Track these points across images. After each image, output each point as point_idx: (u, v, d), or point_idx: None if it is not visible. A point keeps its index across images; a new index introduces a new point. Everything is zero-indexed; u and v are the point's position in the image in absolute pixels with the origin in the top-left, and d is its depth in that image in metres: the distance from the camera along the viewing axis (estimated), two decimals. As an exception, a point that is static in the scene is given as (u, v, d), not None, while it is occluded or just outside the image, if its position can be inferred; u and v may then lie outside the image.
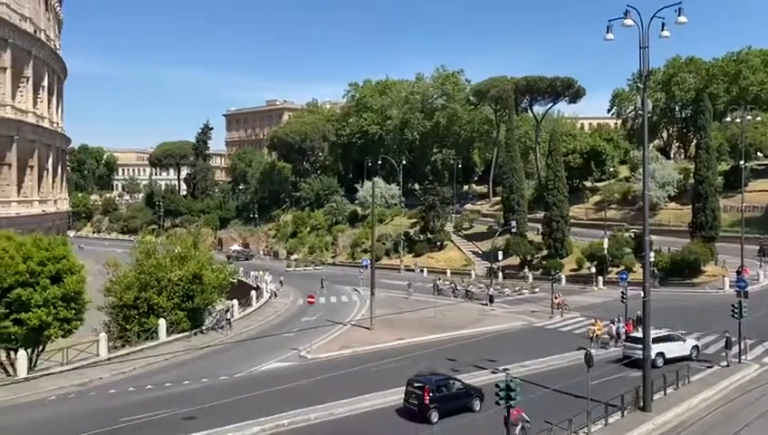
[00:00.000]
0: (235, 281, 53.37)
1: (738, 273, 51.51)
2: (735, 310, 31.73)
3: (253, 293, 56.54)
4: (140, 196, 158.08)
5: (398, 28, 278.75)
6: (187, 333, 41.11)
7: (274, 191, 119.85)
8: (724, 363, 31.14)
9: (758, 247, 61.51)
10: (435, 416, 24.16)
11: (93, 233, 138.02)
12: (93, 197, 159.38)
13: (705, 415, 25.23)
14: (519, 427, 20.88)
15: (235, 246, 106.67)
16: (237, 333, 43.59)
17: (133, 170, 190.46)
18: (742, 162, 62.90)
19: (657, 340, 30.84)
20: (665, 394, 26.73)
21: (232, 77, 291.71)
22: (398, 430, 24.17)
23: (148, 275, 40.70)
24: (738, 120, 67.29)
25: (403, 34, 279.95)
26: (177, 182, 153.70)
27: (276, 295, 60.33)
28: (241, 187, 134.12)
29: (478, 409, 25.25)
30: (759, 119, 78.23)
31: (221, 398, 26.11)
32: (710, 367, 31.32)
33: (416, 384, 24.90)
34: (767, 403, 25.93)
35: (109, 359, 34.96)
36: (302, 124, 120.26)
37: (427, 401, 24.14)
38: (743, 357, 32.06)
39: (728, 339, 31.60)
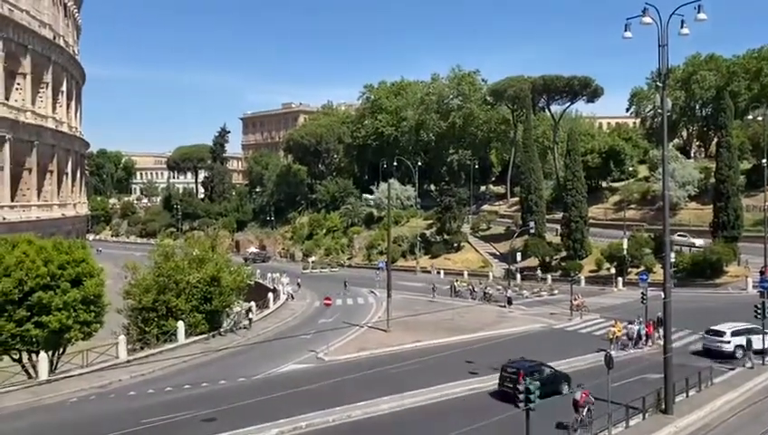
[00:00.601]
0: (252, 283, 53.53)
1: (761, 273, 50.78)
2: (759, 311, 31.19)
3: (270, 295, 56.70)
4: (158, 199, 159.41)
5: (412, 29, 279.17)
6: (205, 336, 41.25)
7: (290, 194, 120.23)
8: (749, 365, 30.65)
9: None
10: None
11: (112, 236, 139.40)
12: (112, 200, 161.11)
13: (728, 417, 24.81)
14: (586, 409, 22.76)
15: (252, 249, 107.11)
16: (255, 335, 43.72)
17: (151, 174, 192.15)
18: (764, 160, 61.83)
19: (737, 333, 33.28)
20: (687, 396, 26.34)
21: (248, 81, 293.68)
22: (414, 426, 24.04)
23: (166, 278, 40.91)
24: (760, 118, 66.29)
25: (418, 35, 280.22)
26: (194, 185, 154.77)
27: (293, 297, 60.46)
28: (257, 189, 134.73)
29: (566, 392, 27.09)
30: (781, 116, 76.97)
31: (239, 400, 26.17)
32: (732, 369, 30.83)
33: (510, 370, 26.89)
34: (793, 406, 25.42)
35: (128, 361, 35.18)
36: (317, 127, 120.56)
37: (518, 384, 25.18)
38: (767, 359, 31.50)
39: (749, 340, 31.06)
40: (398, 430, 24.49)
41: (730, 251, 57.58)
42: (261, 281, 67.49)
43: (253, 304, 49.32)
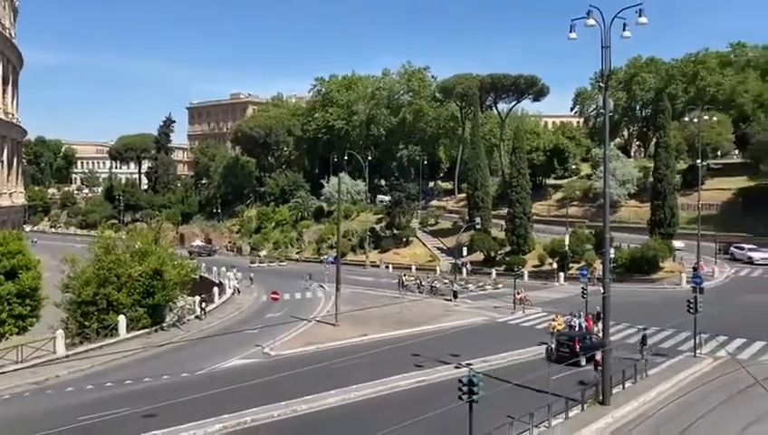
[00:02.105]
0: (197, 277, 52.71)
1: (695, 269, 53.13)
2: (691, 305, 32.58)
3: (215, 289, 55.88)
4: (100, 190, 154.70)
5: (364, 23, 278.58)
6: (148, 330, 40.45)
7: (238, 186, 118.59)
8: (642, 360, 30.84)
9: (719, 245, 62.97)
10: (583, 360, 30.91)
11: (51, 227, 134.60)
12: (51, 190, 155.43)
13: (661, 408, 25.87)
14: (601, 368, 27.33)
15: (198, 242, 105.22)
16: (199, 329, 43.08)
17: (92, 163, 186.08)
18: (699, 161, 64.67)
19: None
20: (623, 388, 27.33)
21: (195, 69, 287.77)
22: (360, 420, 24.20)
23: (107, 271, 39.93)
24: (696, 120, 69.03)
25: (369, 29, 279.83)
26: (137, 176, 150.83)
27: (239, 292, 59.72)
28: (204, 181, 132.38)
29: (598, 356, 29.84)
30: (715, 119, 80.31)
31: (182, 395, 25.73)
32: (666, 361, 32.11)
33: (563, 338, 33.43)
34: (720, 396, 26.69)
35: (66, 356, 34.12)
36: (266, 118, 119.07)
37: (578, 349, 31.51)
38: (698, 351, 32.98)
39: (644, 336, 32.67)
40: (344, 423, 24.60)
41: (666, 248, 59.83)
42: (206, 275, 66.39)
43: (214, 291, 48.75)
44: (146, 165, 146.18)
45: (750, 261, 62.22)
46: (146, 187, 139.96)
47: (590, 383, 26.52)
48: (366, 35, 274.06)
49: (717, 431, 22.88)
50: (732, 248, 64.95)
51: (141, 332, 39.93)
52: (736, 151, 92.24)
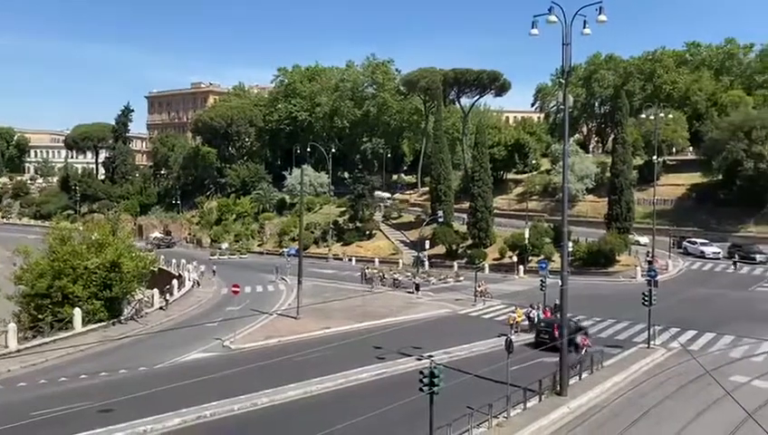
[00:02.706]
0: (156, 269, 51.88)
1: (649, 263, 54.57)
2: (646, 297, 33.48)
3: (174, 281, 55.05)
4: (55, 179, 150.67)
5: (328, 13, 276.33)
6: (105, 324, 39.70)
7: (198, 177, 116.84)
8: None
9: (673, 239, 64.68)
10: None
11: (2, 218, 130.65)
12: (2, 180, 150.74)
13: (616, 398, 26.51)
14: (584, 350, 31.63)
15: (157, 234, 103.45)
16: (158, 323, 42.40)
17: (47, 153, 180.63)
18: (655, 157, 66.34)
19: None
20: (580, 379, 27.91)
21: (155, 57, 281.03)
22: (321, 413, 24.19)
23: (62, 263, 39.00)
24: (652, 117, 70.72)
25: (333, 20, 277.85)
26: (94, 166, 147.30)
27: (199, 284, 58.97)
28: (163, 172, 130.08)
29: (578, 340, 32.69)
30: (671, 116, 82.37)
31: (140, 389, 25.29)
32: (621, 352, 32.93)
33: (543, 325, 35.14)
34: (673, 386, 27.50)
35: (18, 350, 33.27)
36: (228, 108, 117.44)
37: (557, 335, 30.82)
38: (651, 342, 33.90)
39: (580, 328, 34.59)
40: (305, 416, 24.51)
41: (622, 242, 61.24)
42: (165, 267, 65.36)
43: (174, 284, 48.00)
44: (103, 155, 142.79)
45: (702, 255, 64.17)
46: (103, 177, 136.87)
47: (550, 374, 26.93)
48: (330, 26, 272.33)
49: (670, 419, 23.56)
50: (685, 243, 66.86)
51: (98, 325, 39.15)
52: (691, 148, 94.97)
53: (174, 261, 68.21)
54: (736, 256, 61.00)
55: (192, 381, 26.27)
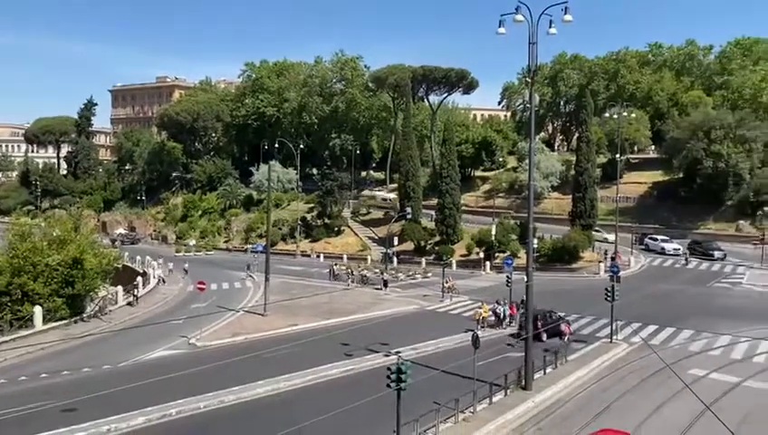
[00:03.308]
0: (120, 266, 51.02)
1: (612, 259, 55.63)
2: (609, 293, 34.18)
3: (139, 278, 54.18)
4: (14, 174, 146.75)
5: (296, 8, 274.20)
6: (66, 321, 38.94)
7: (164, 172, 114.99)
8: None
9: (635, 236, 65.94)
10: (544, 336, 33.88)
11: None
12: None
13: (580, 392, 27.06)
14: (566, 337, 34.56)
15: (121, 230, 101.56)
16: (122, 320, 41.76)
17: (6, 147, 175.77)
18: (618, 156, 67.64)
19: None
20: (545, 373, 28.39)
21: (119, 50, 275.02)
22: (288, 410, 24.17)
23: (22, 260, 38.20)
24: (615, 117, 72.14)
25: (302, 16, 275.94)
26: (56, 161, 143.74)
27: (164, 282, 58.15)
28: (127, 167, 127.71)
29: (563, 328, 35.49)
30: (633, 115, 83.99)
31: (104, 388, 24.93)
32: (584, 347, 33.60)
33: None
34: (634, 379, 28.17)
35: (-24, 350, 32.39)
36: (194, 103, 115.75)
37: (540, 326, 33.17)
38: (614, 337, 34.66)
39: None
40: (272, 413, 24.45)
41: (585, 238, 62.31)
42: (130, 264, 64.28)
43: (138, 281, 47.23)
44: (65, 149, 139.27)
45: (662, 251, 65.68)
46: (65, 172, 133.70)
47: (516, 368, 27.32)
48: (298, 22, 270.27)
49: (632, 412, 24.13)
50: (646, 240, 68.37)
51: (59, 323, 38.42)
52: (653, 147, 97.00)
53: (138, 258, 67.11)
54: (687, 251, 62.80)
55: (157, 380, 25.99)
